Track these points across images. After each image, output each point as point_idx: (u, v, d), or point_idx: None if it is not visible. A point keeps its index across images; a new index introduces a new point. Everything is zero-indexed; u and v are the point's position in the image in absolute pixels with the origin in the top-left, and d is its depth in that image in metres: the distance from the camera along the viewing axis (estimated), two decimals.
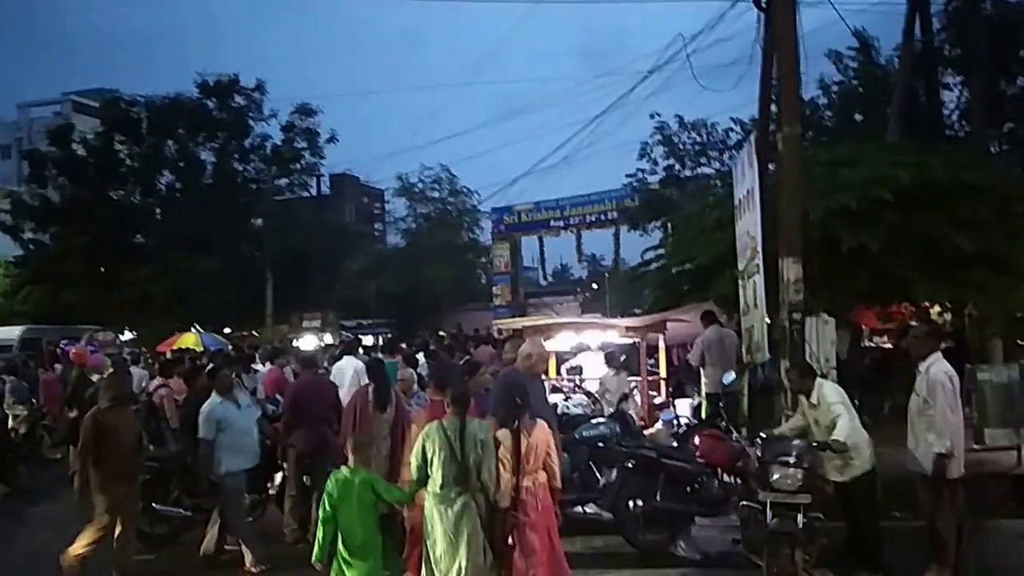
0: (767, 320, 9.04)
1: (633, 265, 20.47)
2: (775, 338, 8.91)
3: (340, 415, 8.52)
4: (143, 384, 12.80)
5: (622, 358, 11.78)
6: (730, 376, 9.69)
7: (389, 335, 27.17)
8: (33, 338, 21.70)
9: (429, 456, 5.28)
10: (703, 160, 27.55)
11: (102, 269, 28.63)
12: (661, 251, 15.93)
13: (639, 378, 12.16)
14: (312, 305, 34.00)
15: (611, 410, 9.96)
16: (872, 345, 15.20)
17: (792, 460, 5.93)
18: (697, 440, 7.99)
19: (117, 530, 6.80)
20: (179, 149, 31.53)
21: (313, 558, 5.30)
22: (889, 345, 14.57)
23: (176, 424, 9.27)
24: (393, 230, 50.69)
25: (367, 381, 7.80)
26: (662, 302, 13.88)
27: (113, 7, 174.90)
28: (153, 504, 7.83)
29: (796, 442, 6.30)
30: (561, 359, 13.58)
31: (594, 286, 45.80)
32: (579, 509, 7.83)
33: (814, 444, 6.29)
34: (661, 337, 12.66)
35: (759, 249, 8.97)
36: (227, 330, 28.99)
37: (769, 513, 5.79)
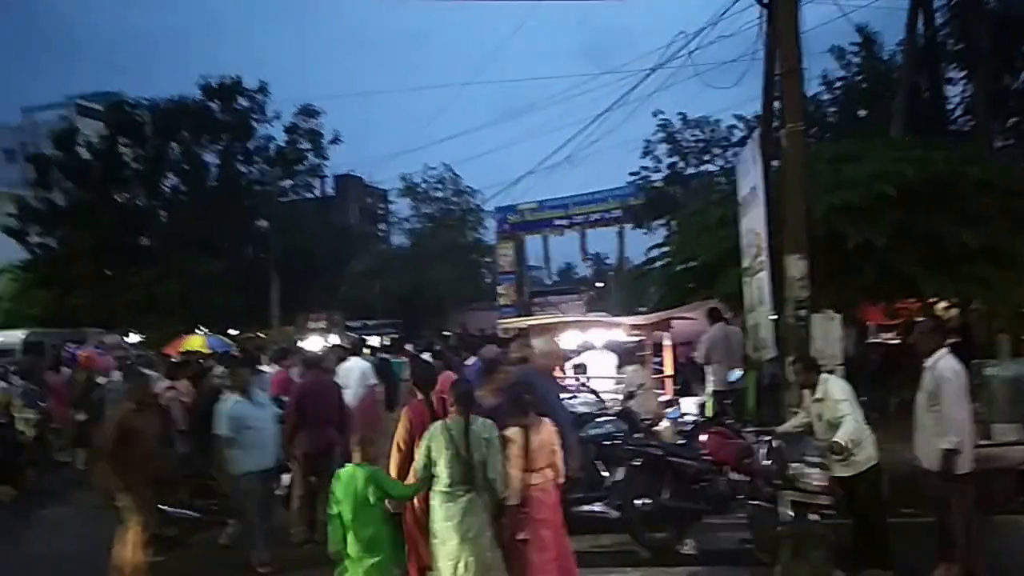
0: (773, 317, 9.04)
1: (638, 263, 20.51)
2: (781, 335, 8.91)
3: (344, 416, 8.56)
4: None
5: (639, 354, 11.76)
6: (736, 373, 9.71)
7: (394, 335, 27.19)
8: (36, 342, 21.70)
9: (434, 456, 5.31)
10: (707, 157, 27.57)
11: (108, 272, 28.73)
12: (666, 249, 15.94)
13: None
14: (317, 306, 34.07)
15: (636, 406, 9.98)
16: (878, 341, 15.16)
17: (817, 460, 5.90)
18: (703, 438, 7.98)
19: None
20: (183, 151, 31.64)
21: (329, 547, 5.37)
22: (895, 341, 14.53)
23: (184, 426, 9.30)
24: (397, 230, 50.80)
25: (373, 381, 7.82)
26: (667, 300, 13.89)
27: (115, 9, 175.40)
28: (161, 506, 7.85)
29: (817, 442, 6.27)
30: (567, 358, 13.57)
31: (599, 285, 45.78)
32: (585, 508, 7.83)
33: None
34: (667, 335, 12.65)
35: (764, 246, 8.97)
36: (233, 332, 29.04)
37: (789, 512, 5.74)
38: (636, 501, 7.41)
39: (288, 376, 10.36)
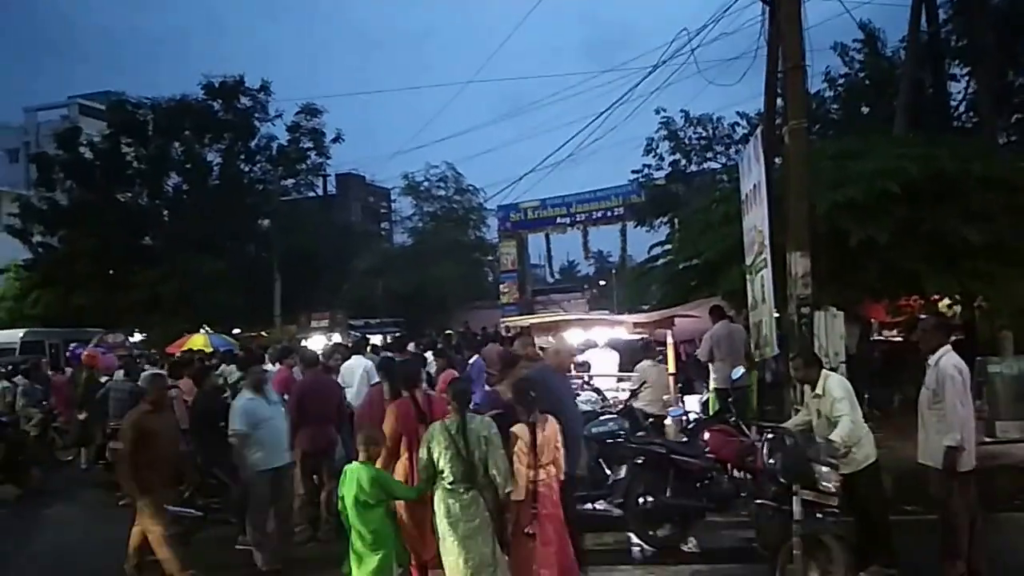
0: (775, 315, 9.02)
1: (640, 261, 20.48)
2: (784, 332, 8.90)
3: (344, 414, 8.57)
4: None
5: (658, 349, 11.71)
6: (739, 371, 9.69)
7: (397, 334, 27.21)
8: (34, 341, 21.74)
9: (435, 456, 5.36)
10: (709, 155, 27.46)
11: (111, 271, 28.75)
12: (668, 247, 15.94)
13: None
14: (320, 305, 34.05)
15: (648, 401, 9.99)
16: (881, 338, 15.14)
17: (832, 460, 5.87)
18: (706, 436, 7.98)
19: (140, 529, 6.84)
20: (185, 151, 31.60)
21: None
22: (898, 338, 14.52)
23: (186, 425, 9.31)
24: (400, 229, 50.74)
25: (376, 380, 7.82)
26: (670, 298, 13.88)
27: (117, 10, 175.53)
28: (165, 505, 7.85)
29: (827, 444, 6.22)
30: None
31: (601, 283, 45.79)
32: (589, 506, 7.83)
33: None
34: (669, 333, 12.63)
35: (767, 243, 8.95)
36: (236, 331, 29.07)
37: (801, 510, 5.70)
38: (639, 499, 7.41)
39: (291, 375, 10.37)
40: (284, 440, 7.53)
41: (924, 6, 15.43)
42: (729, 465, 7.60)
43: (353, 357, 10.58)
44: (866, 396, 9.07)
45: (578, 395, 11.10)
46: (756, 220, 9.32)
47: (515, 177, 41.98)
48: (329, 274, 34.93)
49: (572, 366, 10.20)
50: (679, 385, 12.96)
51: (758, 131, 10.64)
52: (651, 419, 9.89)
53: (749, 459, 7.26)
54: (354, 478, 5.34)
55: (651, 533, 7.43)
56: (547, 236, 37.26)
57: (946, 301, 12.32)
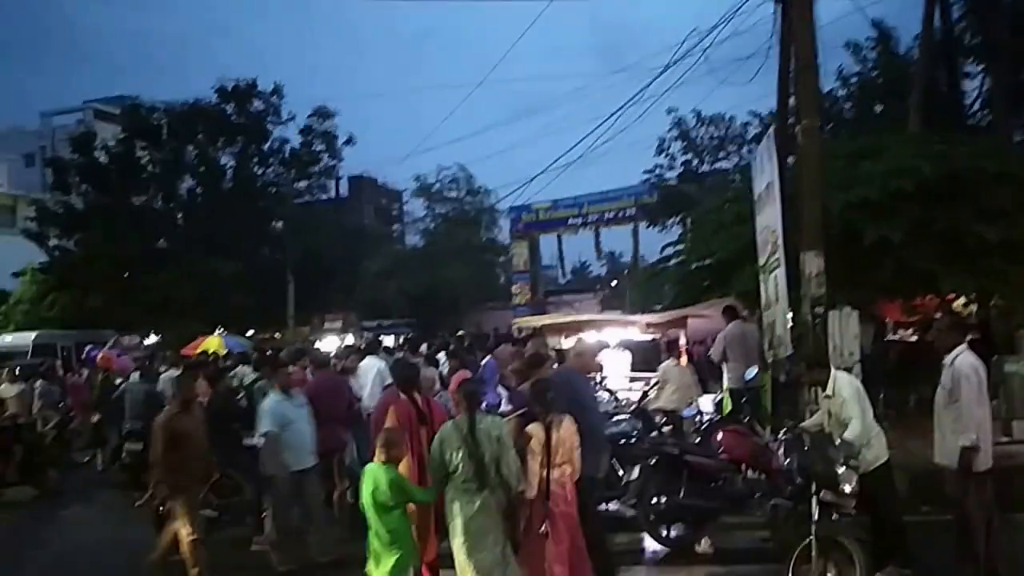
0: (789, 314, 8.99)
1: (653, 261, 20.44)
2: (798, 332, 8.86)
3: (354, 415, 8.60)
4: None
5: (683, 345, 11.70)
6: (752, 371, 9.65)
7: (409, 335, 27.27)
8: (46, 344, 21.89)
9: (447, 457, 5.37)
10: (721, 155, 27.48)
11: (125, 274, 28.96)
12: (680, 247, 15.90)
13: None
14: (333, 306, 34.20)
15: (675, 401, 10.02)
16: (896, 338, 15.05)
17: (855, 463, 5.84)
18: (720, 436, 7.96)
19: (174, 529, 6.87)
20: (199, 154, 31.83)
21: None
22: (914, 338, 14.43)
23: None
24: (411, 231, 50.86)
25: (390, 381, 7.84)
26: (682, 298, 13.85)
27: (130, 14, 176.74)
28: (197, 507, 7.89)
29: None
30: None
31: (614, 283, 45.69)
32: (603, 506, 7.83)
33: None
34: (682, 333, 12.61)
35: (780, 243, 8.92)
36: (250, 332, 29.22)
37: (819, 512, 5.68)
38: (652, 499, 7.40)
39: (304, 376, 10.43)
40: (309, 442, 7.52)
41: (938, 3, 15.34)
42: (743, 465, 7.58)
43: (367, 358, 10.62)
44: (881, 396, 9.03)
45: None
46: (769, 220, 9.29)
47: (527, 178, 42.00)
48: (342, 276, 35.05)
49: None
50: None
51: (771, 130, 10.61)
52: (667, 417, 9.93)
53: (763, 459, 7.24)
54: (372, 479, 5.37)
55: (664, 534, 7.42)
56: (559, 237, 37.29)
57: (961, 300, 12.23)
